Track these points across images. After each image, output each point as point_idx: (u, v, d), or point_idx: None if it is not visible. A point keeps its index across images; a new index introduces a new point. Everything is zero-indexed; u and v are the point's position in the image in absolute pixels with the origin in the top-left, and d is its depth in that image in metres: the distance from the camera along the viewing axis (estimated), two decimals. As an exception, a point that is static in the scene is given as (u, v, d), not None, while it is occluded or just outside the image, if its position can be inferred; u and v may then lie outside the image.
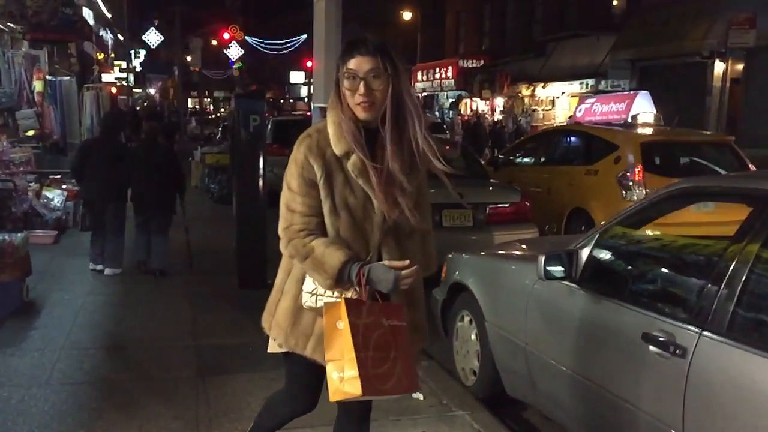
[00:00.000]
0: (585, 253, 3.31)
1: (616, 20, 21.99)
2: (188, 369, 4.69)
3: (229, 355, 4.89)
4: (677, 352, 2.61)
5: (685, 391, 2.56)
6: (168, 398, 4.15)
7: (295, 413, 2.81)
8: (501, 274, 4.17)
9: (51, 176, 10.20)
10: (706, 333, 2.54)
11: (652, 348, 2.74)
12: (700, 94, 18.31)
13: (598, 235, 3.32)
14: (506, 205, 7.33)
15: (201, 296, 6.49)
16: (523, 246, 4.74)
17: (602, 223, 3.41)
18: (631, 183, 7.55)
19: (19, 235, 5.71)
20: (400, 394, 2.25)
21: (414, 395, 4.23)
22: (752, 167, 8.10)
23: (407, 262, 2.20)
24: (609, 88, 21.45)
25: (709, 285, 2.61)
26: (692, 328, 2.60)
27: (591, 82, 22.03)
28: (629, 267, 3.19)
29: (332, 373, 2.12)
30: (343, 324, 2.10)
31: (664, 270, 2.95)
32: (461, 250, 6.90)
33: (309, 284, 2.32)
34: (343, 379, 2.08)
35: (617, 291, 3.10)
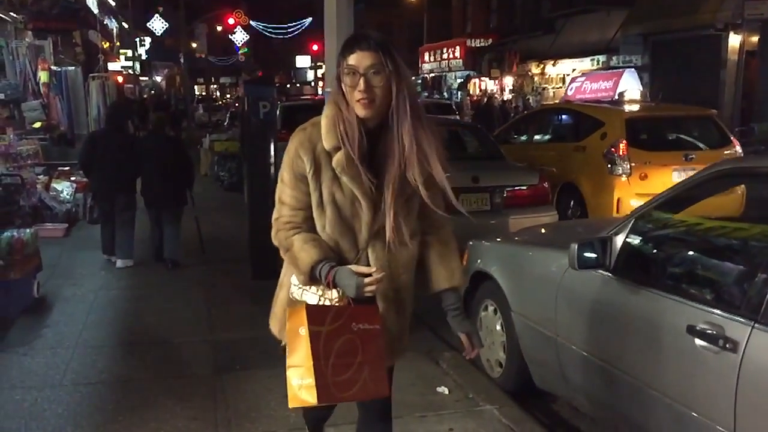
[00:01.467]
0: (619, 240, 3.13)
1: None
2: (205, 365, 4.56)
3: (247, 350, 4.75)
4: (727, 345, 2.44)
5: (736, 388, 2.39)
6: (185, 397, 4.02)
7: (316, 417, 2.68)
8: (527, 262, 4.00)
9: (59, 168, 10.10)
10: (759, 325, 2.37)
11: (698, 341, 2.57)
12: (714, 68, 17.97)
13: (633, 220, 3.14)
14: (524, 188, 7.12)
15: (215, 288, 6.36)
16: (546, 232, 4.56)
17: (637, 207, 3.20)
18: (616, 157, 7.81)
19: (28, 230, 5.58)
20: (365, 400, 2.25)
21: (439, 389, 4.10)
22: (734, 140, 8.31)
23: (373, 268, 2.15)
24: (621, 64, 21.13)
25: (762, 273, 2.44)
26: (743, 320, 2.43)
27: (602, 58, 21.68)
28: (670, 254, 3.01)
29: (292, 379, 2.09)
30: (305, 331, 2.05)
31: (710, 257, 2.77)
32: (478, 235, 6.79)
33: (296, 277, 2.30)
34: (302, 386, 2.06)
35: (657, 280, 2.93)
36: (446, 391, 4.07)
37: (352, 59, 2.13)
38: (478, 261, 4.51)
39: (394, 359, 2.38)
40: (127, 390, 4.14)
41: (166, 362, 4.61)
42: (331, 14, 4.63)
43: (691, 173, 7.37)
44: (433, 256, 2.33)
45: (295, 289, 2.31)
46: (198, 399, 4.01)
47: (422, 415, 3.77)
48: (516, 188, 7.08)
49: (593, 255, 3.10)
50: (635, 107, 8.90)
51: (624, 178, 7.80)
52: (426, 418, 3.74)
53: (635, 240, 3.11)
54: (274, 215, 2.31)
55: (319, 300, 2.23)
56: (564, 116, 9.72)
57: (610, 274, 3.15)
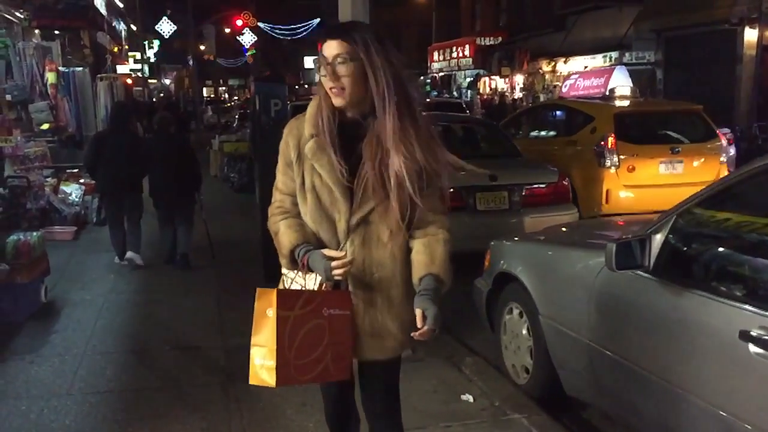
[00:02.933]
0: (659, 239, 2.93)
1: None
2: (218, 373, 4.39)
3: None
4: (787, 353, 2.24)
5: (798, 400, 2.19)
6: (198, 407, 3.85)
7: (332, 419, 2.56)
8: (556, 263, 3.80)
9: (68, 170, 9.97)
10: (823, 331, 2.17)
11: (752, 348, 2.37)
12: (729, 64, 17.67)
13: (674, 218, 2.93)
14: (543, 186, 6.93)
15: (226, 291, 6.19)
16: (573, 231, 4.36)
17: (678, 203, 3.00)
18: (605, 151, 8.04)
19: (35, 233, 5.43)
20: (323, 382, 2.32)
21: (463, 397, 3.91)
22: (721, 135, 8.56)
23: (342, 252, 2.17)
24: (634, 61, 20.87)
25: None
26: (805, 325, 2.23)
27: (615, 54, 21.38)
28: (717, 254, 2.80)
29: (255, 358, 2.12)
30: (272, 313, 2.09)
31: (763, 258, 2.57)
32: (497, 235, 6.59)
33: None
34: (263, 366, 2.09)
35: (703, 282, 2.73)
36: (471, 399, 3.88)
37: (323, 49, 2.15)
38: (502, 262, 4.32)
39: (365, 354, 2.28)
40: (137, 399, 3.97)
41: (177, 369, 4.44)
42: (345, 13, 4.44)
43: (678, 165, 8.04)
44: (417, 246, 2.24)
45: (284, 277, 2.34)
46: (211, 408, 3.84)
47: (447, 425, 3.59)
48: (535, 186, 6.90)
49: (631, 255, 2.91)
50: (624, 103, 9.19)
51: (613, 170, 8.01)
52: (451, 429, 3.56)
53: (677, 239, 2.91)
54: (272, 202, 2.38)
55: (301, 287, 2.26)
56: (558, 112, 10.06)
57: (649, 275, 2.95)
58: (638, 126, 8.69)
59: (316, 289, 2.21)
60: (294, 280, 2.28)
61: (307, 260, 2.20)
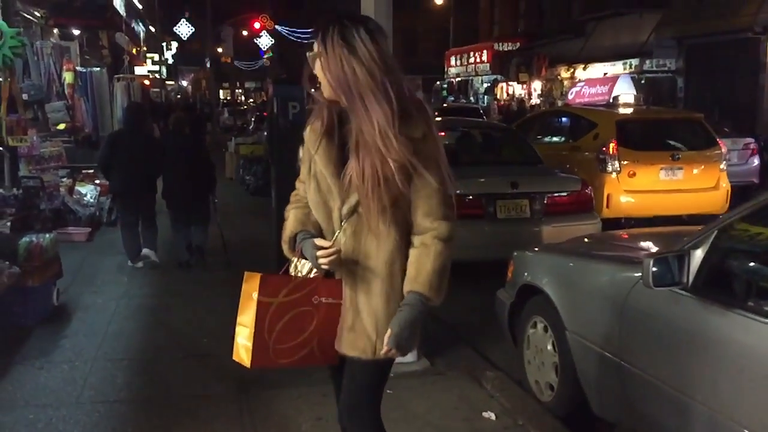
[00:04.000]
0: (698, 255, 2.77)
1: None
2: (230, 383, 4.24)
3: (274, 366, 4.43)
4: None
5: None
6: (209, 419, 3.72)
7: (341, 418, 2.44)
8: (585, 276, 3.64)
9: (83, 171, 9.91)
10: None
11: (803, 375, 2.21)
12: (753, 72, 17.42)
13: (715, 232, 2.77)
14: (565, 194, 6.76)
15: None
16: (601, 242, 4.20)
17: (720, 217, 2.84)
18: (606, 156, 8.28)
19: (47, 235, 5.33)
20: (305, 366, 2.30)
21: (485, 414, 3.76)
22: (721, 142, 8.78)
23: (330, 243, 2.18)
24: (654, 68, 20.63)
25: None
26: None
27: (635, 62, 21.13)
28: (761, 272, 2.64)
29: (238, 336, 2.21)
30: (256, 296, 2.13)
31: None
32: (518, 244, 6.42)
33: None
34: (242, 345, 2.17)
35: (745, 301, 2.57)
36: (493, 417, 3.72)
37: None
38: (526, 274, 4.16)
39: (341, 346, 2.24)
40: (147, 410, 3.85)
41: (189, 379, 4.32)
42: (368, 4, 4.31)
43: (678, 172, 7.72)
44: (410, 256, 2.19)
45: (290, 263, 2.36)
46: (222, 421, 3.71)
47: (469, 444, 3.44)
48: (557, 195, 6.73)
49: (668, 271, 2.75)
50: (627, 110, 9.48)
51: (614, 175, 8.24)
52: (473, 448, 3.41)
53: (719, 255, 2.75)
54: None
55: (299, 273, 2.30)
56: (563, 118, 10.36)
57: (687, 293, 2.79)
58: (639, 133, 8.92)
59: (309, 276, 2.26)
60: (296, 266, 2.33)
61: (300, 248, 2.26)
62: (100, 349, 4.78)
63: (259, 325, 2.13)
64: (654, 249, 3.48)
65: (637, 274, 3.10)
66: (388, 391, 4.02)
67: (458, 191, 6.73)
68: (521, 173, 7.05)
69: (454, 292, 6.82)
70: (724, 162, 8.63)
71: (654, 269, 2.71)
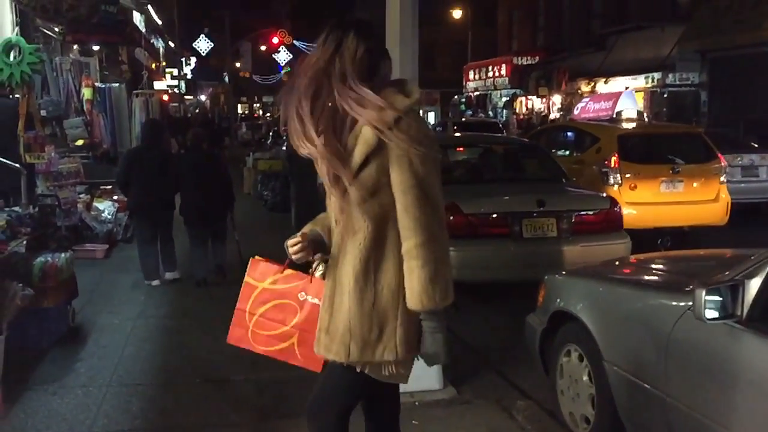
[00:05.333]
0: (755, 285, 2.57)
1: (681, 10, 20.79)
2: (249, 410, 4.09)
3: (295, 391, 4.22)
4: None
5: None
6: (227, 451, 3.55)
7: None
8: (625, 304, 3.42)
9: (101, 187, 9.84)
10: None
11: None
12: (779, 86, 17.09)
13: (772, 261, 2.57)
14: (594, 213, 6.54)
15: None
16: (642, 266, 3.98)
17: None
18: (609, 170, 8.53)
19: (63, 255, 5.20)
20: (283, 361, 2.33)
21: (517, 450, 3.56)
22: (721, 157, 8.96)
23: (297, 238, 2.24)
24: (677, 82, 20.35)
25: None
26: None
27: (657, 75, 20.86)
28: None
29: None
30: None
31: None
32: (545, 264, 6.21)
33: None
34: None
35: (811, 338, 2.36)
36: (525, 452, 3.53)
37: None
38: (558, 300, 3.95)
39: (319, 348, 2.22)
40: (163, 440, 3.69)
41: (205, 406, 4.15)
42: (393, 25, 4.16)
43: (678, 184, 8.47)
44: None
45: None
46: (241, 453, 3.54)
47: (502, 482, 3.24)
48: (585, 213, 6.51)
49: (722, 303, 2.55)
50: (629, 125, 9.79)
51: (615, 188, 8.41)
52: (506, 487, 3.21)
53: (777, 285, 2.55)
54: None
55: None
56: (568, 133, 10.74)
57: (741, 326, 2.58)
58: (641, 147, 9.26)
59: (315, 275, 2.31)
60: (313, 267, 2.36)
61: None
62: (115, 373, 4.63)
63: (241, 304, 2.30)
64: (697, 276, 3.27)
65: (683, 304, 2.90)
66: (413, 422, 3.87)
67: (482, 210, 6.62)
68: (547, 190, 6.85)
69: (479, 314, 6.64)
70: (725, 175, 8.88)
71: (707, 300, 2.51)
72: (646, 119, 20.35)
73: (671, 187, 8.54)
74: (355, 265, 2.12)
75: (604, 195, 6.86)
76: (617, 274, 3.97)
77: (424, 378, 4.09)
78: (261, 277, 2.30)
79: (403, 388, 4.09)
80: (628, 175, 8.43)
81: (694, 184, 8.59)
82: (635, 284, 3.59)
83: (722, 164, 8.91)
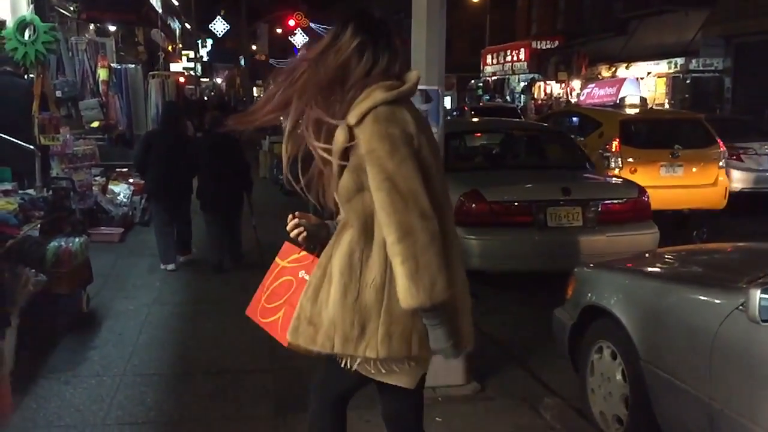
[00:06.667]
0: (812, 285, 2.38)
1: (706, -7, 20.34)
2: (266, 403, 3.96)
3: (313, 384, 4.11)
4: None
5: None
6: (243, 446, 3.43)
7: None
8: (664, 300, 3.23)
9: (117, 170, 9.74)
10: None
11: None
12: (806, 72, 16.69)
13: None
14: (621, 201, 6.35)
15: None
16: (681, 260, 3.79)
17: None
18: (610, 154, 8.79)
19: (77, 239, 5.07)
20: (269, 333, 2.39)
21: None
22: (720, 142, 9.20)
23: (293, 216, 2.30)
24: (701, 68, 19.97)
25: None
26: None
27: (680, 61, 20.49)
28: None
29: None
30: None
31: None
32: (570, 254, 6.05)
33: None
34: None
35: None
36: (555, 453, 3.37)
37: None
38: (589, 294, 3.77)
39: (295, 337, 2.20)
40: (178, 433, 3.57)
41: (222, 398, 4.03)
42: (420, 3, 3.96)
43: (678, 169, 8.83)
44: None
45: None
46: (258, 448, 3.41)
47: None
48: (612, 202, 6.32)
49: (776, 303, 2.37)
50: (631, 111, 10.04)
51: (616, 171, 8.66)
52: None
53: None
54: None
55: None
56: (573, 118, 11.00)
57: (797, 329, 2.40)
58: (642, 132, 9.59)
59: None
60: None
61: None
62: (130, 362, 4.52)
63: (264, 281, 2.43)
64: (739, 272, 3.08)
65: (731, 302, 2.73)
66: (437, 419, 3.72)
67: (505, 197, 6.42)
68: (572, 178, 6.67)
69: (501, 306, 6.45)
70: (723, 160, 9.15)
71: (763, 300, 2.33)
72: (668, 105, 20.27)
73: (671, 171, 8.86)
74: (343, 259, 2.12)
75: (632, 183, 6.65)
76: (654, 268, 3.79)
77: (447, 372, 3.95)
78: (284, 256, 2.41)
79: (426, 382, 3.97)
80: (629, 160, 8.76)
81: (693, 169, 8.90)
82: (675, 279, 3.40)
83: (721, 149, 9.14)
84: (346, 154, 2.07)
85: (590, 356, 3.75)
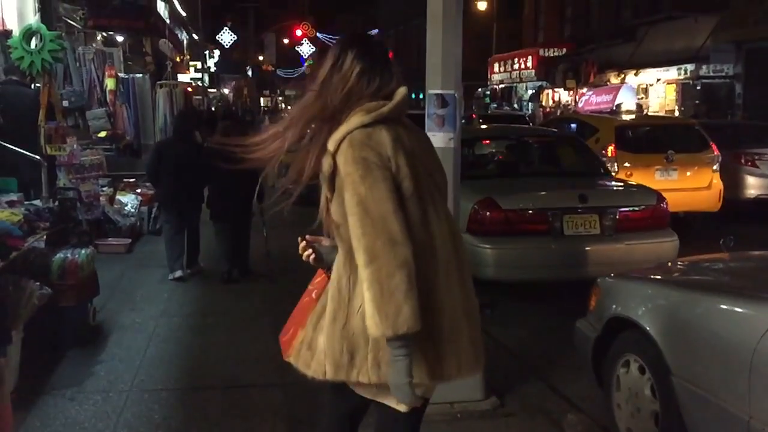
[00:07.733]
0: None
1: None
2: (275, 420, 3.82)
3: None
4: None
5: None
6: (255, 467, 3.28)
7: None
8: (696, 312, 3.08)
9: (125, 180, 9.65)
10: None
11: None
12: (818, 78, 16.49)
13: None
14: (639, 209, 6.19)
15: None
16: (713, 270, 3.64)
17: None
18: (605, 159, 8.83)
19: (83, 251, 4.96)
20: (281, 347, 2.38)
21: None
22: (714, 146, 9.40)
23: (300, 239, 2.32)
24: (711, 74, 19.78)
25: None
26: None
27: (690, 67, 20.30)
28: None
29: None
30: None
31: None
32: (587, 263, 5.90)
33: None
34: None
35: None
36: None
37: None
38: (614, 305, 3.62)
39: (296, 360, 2.23)
40: (187, 453, 3.43)
41: (231, 414, 3.89)
42: (436, 6, 3.85)
43: (672, 172, 9.10)
44: None
45: None
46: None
47: None
48: (630, 209, 6.16)
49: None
50: (627, 117, 10.55)
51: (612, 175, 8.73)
52: None
53: None
54: None
55: None
56: (572, 124, 11.22)
57: None
58: (637, 137, 9.89)
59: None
60: None
61: None
62: (137, 377, 4.38)
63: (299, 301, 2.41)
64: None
65: (771, 315, 2.57)
66: (456, 437, 3.58)
67: (521, 205, 6.27)
68: (589, 185, 6.52)
69: (518, 317, 6.29)
70: (717, 164, 9.30)
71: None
72: (678, 111, 20.10)
73: (665, 175, 9.06)
74: (333, 285, 2.14)
75: (650, 190, 6.49)
76: (684, 277, 3.63)
77: (465, 387, 3.80)
78: (313, 279, 2.42)
79: (443, 397, 3.82)
80: (625, 164, 8.99)
81: (688, 173, 9.13)
82: (708, 289, 3.24)
83: (715, 154, 9.35)
84: (334, 180, 2.07)
85: (616, 370, 3.58)
